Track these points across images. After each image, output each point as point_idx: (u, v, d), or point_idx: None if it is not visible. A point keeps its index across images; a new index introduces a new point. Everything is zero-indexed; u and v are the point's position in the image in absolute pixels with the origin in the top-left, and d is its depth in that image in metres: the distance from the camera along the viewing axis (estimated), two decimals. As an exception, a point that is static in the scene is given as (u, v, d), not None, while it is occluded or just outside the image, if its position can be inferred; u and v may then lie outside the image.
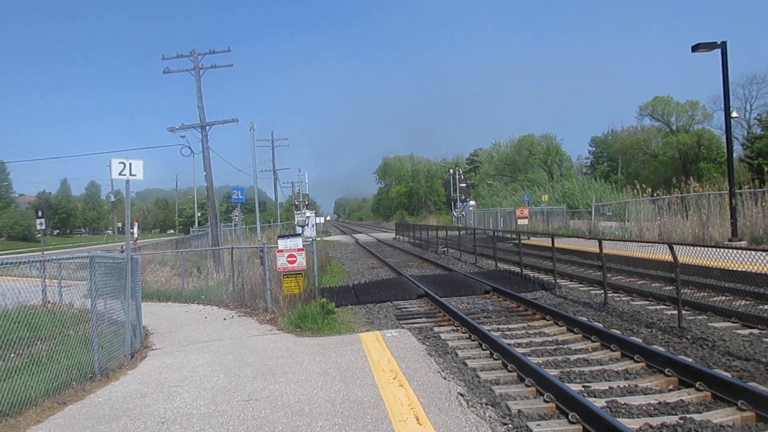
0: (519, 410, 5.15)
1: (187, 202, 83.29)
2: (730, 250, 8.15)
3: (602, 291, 10.79)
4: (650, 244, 13.94)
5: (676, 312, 8.33)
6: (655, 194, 26.01)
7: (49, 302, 11.00)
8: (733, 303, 9.29)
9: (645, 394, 5.45)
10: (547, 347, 7.51)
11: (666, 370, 5.90)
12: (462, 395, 5.33)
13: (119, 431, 4.91)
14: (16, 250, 54.12)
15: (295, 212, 43.59)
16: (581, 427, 4.65)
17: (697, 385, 5.41)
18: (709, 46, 16.70)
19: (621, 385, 5.71)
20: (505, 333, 8.50)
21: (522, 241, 18.00)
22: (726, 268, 10.42)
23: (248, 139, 25.91)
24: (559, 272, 13.65)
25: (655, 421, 4.72)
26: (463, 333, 8.58)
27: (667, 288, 11.07)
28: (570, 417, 4.80)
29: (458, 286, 13.13)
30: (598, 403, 5.06)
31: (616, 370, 6.29)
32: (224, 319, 10.93)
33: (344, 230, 79.21)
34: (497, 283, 12.89)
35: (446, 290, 12.60)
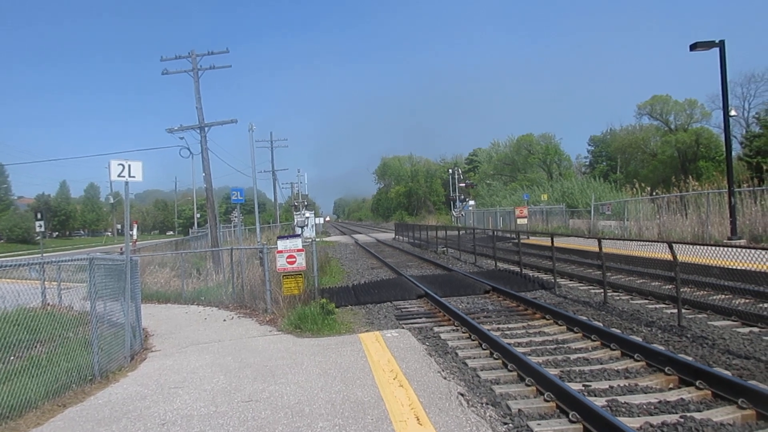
0: (519, 410, 5.15)
1: (187, 204, 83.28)
2: (730, 249, 8.15)
3: (602, 290, 10.79)
4: (650, 243, 13.94)
5: (675, 311, 8.33)
6: (654, 193, 26.06)
7: (48, 304, 10.99)
8: (733, 301, 9.29)
9: (645, 393, 5.45)
10: (547, 346, 7.51)
11: (666, 369, 5.90)
12: (462, 395, 5.33)
13: (119, 433, 4.91)
14: (16, 253, 54.06)
15: (295, 213, 43.54)
16: (582, 426, 4.65)
17: (697, 384, 5.41)
18: (707, 45, 16.72)
19: (621, 384, 5.71)
20: (505, 332, 8.50)
21: (521, 241, 18.01)
22: (725, 266, 10.42)
23: (247, 140, 25.93)
24: (559, 271, 13.65)
25: (656, 419, 4.72)
26: (463, 333, 8.58)
27: (667, 287, 11.07)
28: (570, 416, 4.80)
29: (458, 286, 13.13)
30: (599, 402, 5.06)
31: (616, 369, 6.29)
32: (224, 320, 10.92)
33: (343, 231, 79.20)
34: (497, 283, 12.89)
35: (446, 290, 12.60)
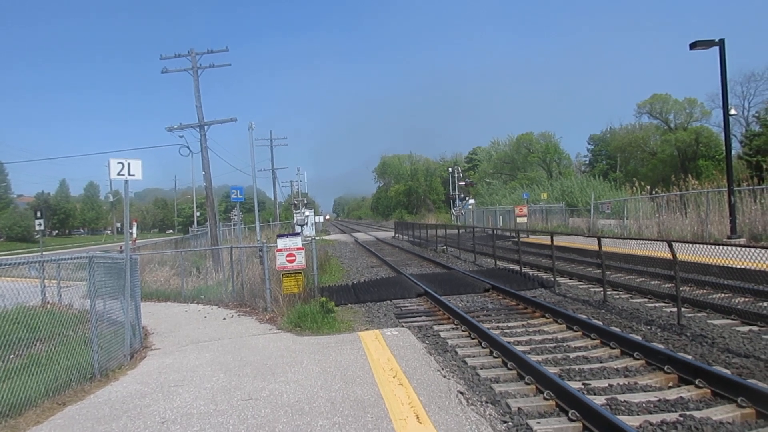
0: (519, 408, 5.15)
1: (186, 202, 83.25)
2: (729, 248, 8.15)
3: (601, 289, 10.80)
4: (649, 241, 13.94)
5: (675, 309, 8.34)
6: (653, 192, 26.03)
7: (48, 303, 11.00)
8: (733, 300, 9.30)
9: (645, 392, 5.45)
10: (547, 345, 7.51)
11: (665, 368, 5.91)
12: (462, 393, 5.33)
13: (119, 431, 4.91)
14: (15, 251, 54.06)
15: (294, 211, 43.51)
16: (581, 424, 4.66)
17: (696, 383, 5.42)
18: (707, 44, 16.70)
19: (621, 383, 5.71)
20: (505, 331, 8.50)
21: (521, 240, 18.02)
22: (725, 265, 10.42)
23: (247, 138, 25.92)
24: (559, 270, 13.65)
25: (655, 418, 4.72)
26: (463, 331, 8.58)
27: (667, 285, 11.09)
28: (570, 414, 4.80)
29: (458, 285, 13.13)
30: (598, 401, 5.06)
31: (615, 367, 6.29)
32: (224, 318, 10.92)
33: (343, 229, 79.20)
34: (496, 281, 12.90)
35: (446, 289, 12.61)
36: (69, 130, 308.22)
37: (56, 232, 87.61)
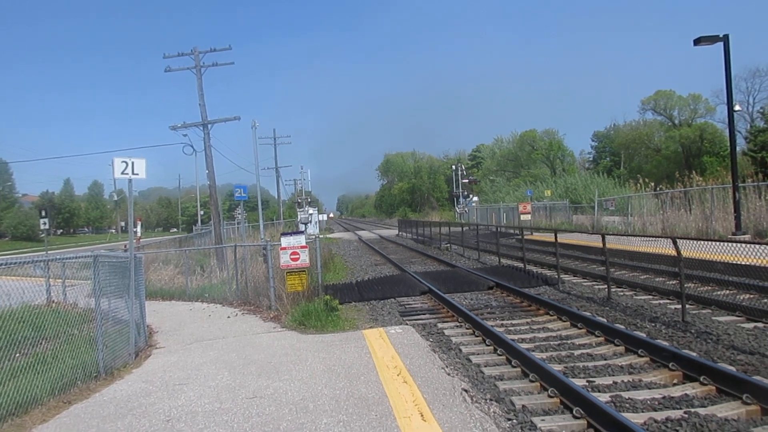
0: (523, 405, 5.15)
1: (190, 201, 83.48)
2: (734, 244, 8.12)
3: (606, 286, 10.76)
4: (653, 238, 13.90)
5: (679, 306, 8.32)
6: (658, 189, 25.97)
7: (53, 302, 11.04)
8: (738, 297, 9.27)
9: (649, 389, 5.44)
10: (551, 342, 7.50)
11: (670, 365, 5.89)
12: (466, 391, 5.33)
13: (125, 430, 4.93)
14: (20, 250, 54.34)
15: (298, 210, 43.63)
16: (586, 422, 4.65)
17: (701, 379, 5.40)
18: (712, 40, 16.61)
19: (625, 380, 5.70)
20: (509, 328, 8.50)
21: (525, 237, 17.97)
22: (730, 262, 10.36)
23: (250, 137, 25.92)
24: (563, 267, 13.63)
25: (660, 415, 4.71)
26: (467, 329, 8.58)
27: (671, 282, 11.05)
28: (574, 412, 4.79)
29: (461, 282, 13.12)
30: (603, 398, 5.06)
31: (620, 364, 6.28)
32: (228, 317, 10.95)
33: (347, 227, 79.21)
34: (500, 279, 12.88)
35: (449, 286, 12.60)
36: (71, 129, 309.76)
37: (61, 231, 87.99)
